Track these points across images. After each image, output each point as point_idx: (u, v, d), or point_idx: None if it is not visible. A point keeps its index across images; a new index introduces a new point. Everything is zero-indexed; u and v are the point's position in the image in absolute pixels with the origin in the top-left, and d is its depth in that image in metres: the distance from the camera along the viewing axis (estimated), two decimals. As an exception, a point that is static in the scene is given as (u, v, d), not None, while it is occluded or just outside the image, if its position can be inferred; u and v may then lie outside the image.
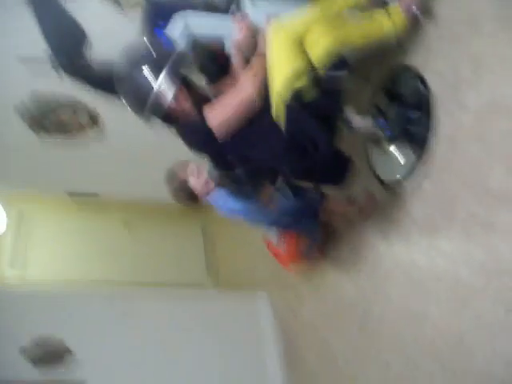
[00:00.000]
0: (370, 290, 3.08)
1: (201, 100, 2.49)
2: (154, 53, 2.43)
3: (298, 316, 4.18)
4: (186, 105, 2.45)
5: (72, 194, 5.55)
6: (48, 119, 4.10)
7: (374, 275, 3.05)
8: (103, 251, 5.97)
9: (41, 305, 4.21)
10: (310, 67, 2.33)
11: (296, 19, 2.39)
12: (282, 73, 2.33)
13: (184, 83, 2.43)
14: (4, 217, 5.40)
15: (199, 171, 2.81)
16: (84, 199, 5.68)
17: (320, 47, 2.33)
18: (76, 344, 3.97)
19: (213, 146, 2.50)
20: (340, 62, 2.37)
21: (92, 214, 5.90)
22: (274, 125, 2.43)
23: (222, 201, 2.87)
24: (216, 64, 2.70)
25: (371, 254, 3.09)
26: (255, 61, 2.49)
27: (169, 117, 2.48)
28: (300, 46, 2.34)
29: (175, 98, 2.39)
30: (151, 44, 2.47)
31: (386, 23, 2.47)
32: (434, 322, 2.50)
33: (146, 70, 2.38)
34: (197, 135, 2.54)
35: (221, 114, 2.41)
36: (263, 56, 2.45)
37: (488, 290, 2.18)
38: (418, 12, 2.56)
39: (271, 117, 2.42)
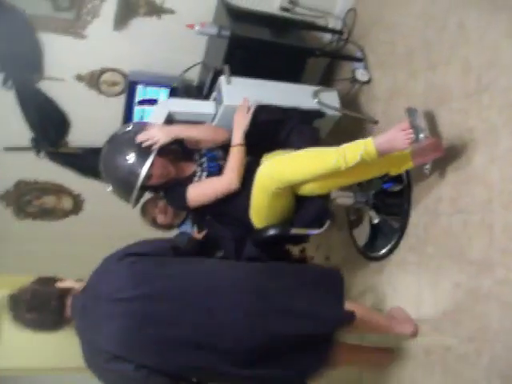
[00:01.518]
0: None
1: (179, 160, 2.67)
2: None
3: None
4: (164, 170, 2.55)
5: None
6: (33, 206, 4.11)
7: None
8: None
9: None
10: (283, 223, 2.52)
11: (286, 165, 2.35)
12: (257, 217, 2.53)
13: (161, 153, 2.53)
14: None
15: (166, 209, 3.16)
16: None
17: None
18: None
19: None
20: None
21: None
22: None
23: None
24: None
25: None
26: (234, 153, 2.61)
27: (152, 187, 2.62)
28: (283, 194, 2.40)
29: (155, 168, 2.49)
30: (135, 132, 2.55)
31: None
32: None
33: (132, 157, 2.46)
34: (176, 199, 2.67)
35: (198, 188, 2.58)
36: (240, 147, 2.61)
37: (480, 359, 2.15)
38: (428, 167, 2.54)
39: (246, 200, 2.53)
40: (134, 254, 2.23)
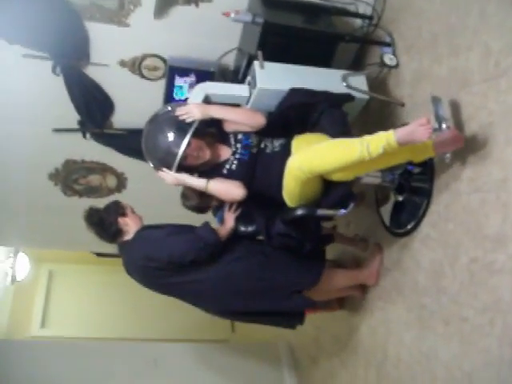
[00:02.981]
0: (383, 333, 3.22)
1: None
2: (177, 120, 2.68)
3: (318, 364, 4.31)
4: (200, 152, 2.70)
5: (99, 255, 5.71)
6: (79, 184, 4.36)
7: (386, 320, 3.19)
8: (130, 309, 6.12)
9: (67, 360, 4.38)
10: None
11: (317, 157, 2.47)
12: (290, 199, 2.68)
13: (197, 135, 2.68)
14: (27, 265, 5.58)
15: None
16: (111, 259, 5.74)
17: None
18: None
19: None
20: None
21: (119, 273, 6.07)
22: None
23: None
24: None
25: (382, 299, 3.26)
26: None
27: (189, 168, 2.75)
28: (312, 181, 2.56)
29: (192, 148, 2.65)
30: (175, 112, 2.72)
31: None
32: (445, 362, 2.62)
33: (170, 136, 2.64)
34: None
35: (217, 185, 2.77)
36: None
37: (494, 329, 2.29)
38: (449, 156, 2.64)
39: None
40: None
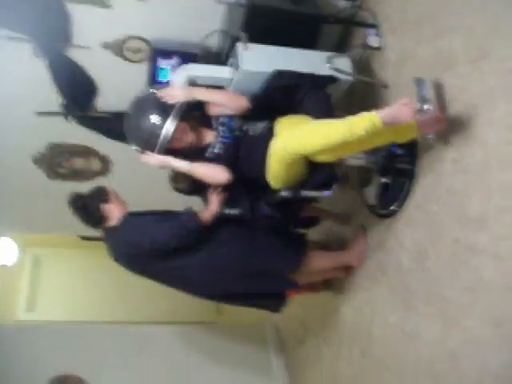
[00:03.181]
0: (368, 314, 3.25)
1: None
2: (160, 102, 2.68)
3: (303, 344, 4.35)
4: (184, 134, 2.70)
5: (85, 238, 5.69)
6: (63, 167, 4.33)
7: (371, 300, 3.22)
8: (117, 292, 6.12)
9: (55, 344, 4.40)
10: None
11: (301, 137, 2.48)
12: (275, 181, 2.69)
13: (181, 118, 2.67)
14: (16, 250, 5.56)
15: None
16: (97, 243, 5.76)
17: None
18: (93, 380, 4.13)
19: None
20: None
21: (105, 257, 6.06)
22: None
23: None
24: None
25: (366, 280, 3.30)
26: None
27: (172, 151, 2.74)
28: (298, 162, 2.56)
29: (176, 130, 2.64)
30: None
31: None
32: (428, 342, 2.66)
33: (153, 118, 2.63)
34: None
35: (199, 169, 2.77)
36: None
37: (475, 309, 2.33)
38: (432, 137, 2.68)
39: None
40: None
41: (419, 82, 2.62)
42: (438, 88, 2.68)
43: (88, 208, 2.87)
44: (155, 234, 2.77)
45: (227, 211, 2.96)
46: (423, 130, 2.62)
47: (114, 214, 2.89)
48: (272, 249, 3.01)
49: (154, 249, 2.79)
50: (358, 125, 2.37)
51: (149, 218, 2.88)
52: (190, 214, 2.82)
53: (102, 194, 2.92)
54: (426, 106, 2.55)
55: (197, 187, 3.04)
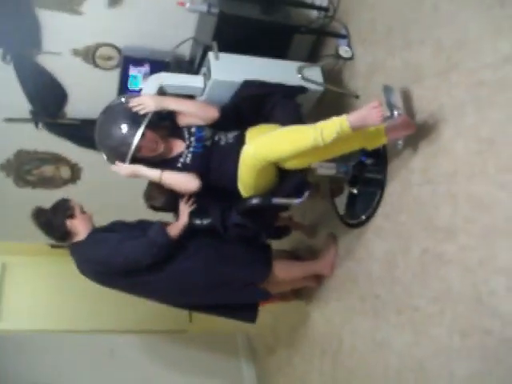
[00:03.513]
0: (339, 323, 3.26)
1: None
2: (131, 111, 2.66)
3: (274, 353, 4.34)
4: (154, 144, 2.68)
5: (55, 246, 5.62)
6: (32, 175, 4.26)
7: (341, 310, 3.23)
8: (86, 301, 6.03)
9: (22, 354, 4.32)
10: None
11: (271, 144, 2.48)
12: (245, 189, 2.68)
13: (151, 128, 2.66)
14: None
15: None
16: (66, 250, 5.69)
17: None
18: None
19: None
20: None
21: (74, 266, 5.98)
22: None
23: None
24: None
25: (337, 289, 3.31)
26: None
27: (142, 160, 2.72)
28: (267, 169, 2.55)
29: (146, 140, 2.63)
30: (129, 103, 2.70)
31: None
32: (397, 351, 2.67)
33: (124, 127, 2.61)
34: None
35: (170, 178, 2.76)
36: None
37: (444, 318, 2.34)
38: (401, 143, 2.71)
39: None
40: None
41: (387, 90, 2.66)
42: (407, 95, 2.72)
43: (52, 223, 2.83)
44: (127, 254, 2.74)
45: (198, 222, 2.95)
46: (392, 135, 2.64)
47: (78, 229, 2.85)
48: (239, 258, 3.01)
49: (126, 268, 2.77)
50: (327, 129, 2.38)
51: (118, 236, 2.83)
52: (158, 230, 2.80)
53: (65, 210, 2.87)
54: (395, 112, 2.59)
55: (171, 204, 3.02)
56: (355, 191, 3.13)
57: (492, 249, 2.10)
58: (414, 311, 2.54)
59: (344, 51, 3.27)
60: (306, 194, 2.71)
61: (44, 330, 5.61)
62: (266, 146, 2.46)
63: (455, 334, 2.27)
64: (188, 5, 3.11)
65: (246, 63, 3.06)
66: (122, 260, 2.73)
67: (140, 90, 3.38)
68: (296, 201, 2.72)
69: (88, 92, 3.79)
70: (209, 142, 2.79)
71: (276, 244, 3.39)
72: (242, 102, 2.91)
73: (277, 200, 2.67)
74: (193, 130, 2.82)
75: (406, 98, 2.72)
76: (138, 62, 3.54)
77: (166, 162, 2.77)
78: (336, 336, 3.26)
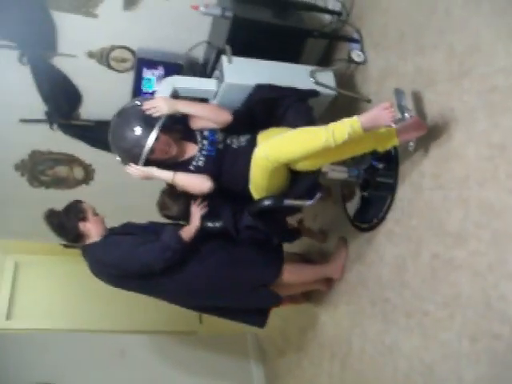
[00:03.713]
0: (348, 326, 3.27)
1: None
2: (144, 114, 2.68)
3: (284, 355, 4.35)
4: (167, 147, 2.70)
5: (67, 246, 5.64)
6: (46, 175, 4.31)
7: (351, 313, 3.24)
8: (98, 301, 6.07)
9: (34, 353, 4.34)
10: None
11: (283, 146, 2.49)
12: (256, 191, 2.70)
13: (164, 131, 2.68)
14: None
15: None
16: (78, 251, 5.70)
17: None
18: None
19: None
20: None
21: (86, 265, 6.01)
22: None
23: None
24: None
25: (347, 292, 3.31)
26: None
27: (155, 163, 2.74)
28: (279, 171, 2.58)
29: (159, 143, 2.65)
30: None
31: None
32: (406, 354, 2.67)
33: (137, 130, 2.63)
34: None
35: (184, 180, 2.80)
36: None
37: (453, 323, 2.35)
38: (412, 145, 2.70)
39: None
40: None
41: (398, 93, 2.67)
42: (418, 98, 2.73)
43: (64, 225, 2.85)
44: (142, 259, 2.75)
45: (210, 225, 2.97)
46: (403, 136, 2.65)
47: (91, 231, 2.88)
48: (250, 260, 3.02)
49: (139, 271, 2.80)
50: (339, 130, 2.40)
51: (132, 240, 2.84)
52: (171, 234, 2.81)
53: (78, 212, 2.89)
54: (406, 115, 2.60)
55: (184, 213, 3.03)
56: (366, 195, 3.14)
57: (502, 254, 2.11)
58: (424, 315, 2.54)
59: (356, 55, 3.28)
60: (318, 195, 2.72)
61: (56, 329, 5.65)
62: (277, 147, 2.48)
63: (464, 338, 2.28)
64: (202, 8, 3.13)
65: (258, 67, 3.07)
66: (135, 264, 2.75)
67: (154, 92, 3.40)
68: (307, 202, 2.73)
69: (102, 94, 3.83)
70: (221, 146, 2.81)
71: (287, 247, 3.40)
72: (255, 106, 2.93)
73: (288, 201, 2.68)
74: (205, 133, 2.84)
75: (417, 100, 2.73)
76: (152, 65, 3.57)
77: (178, 165, 2.79)
78: (345, 339, 3.27)
